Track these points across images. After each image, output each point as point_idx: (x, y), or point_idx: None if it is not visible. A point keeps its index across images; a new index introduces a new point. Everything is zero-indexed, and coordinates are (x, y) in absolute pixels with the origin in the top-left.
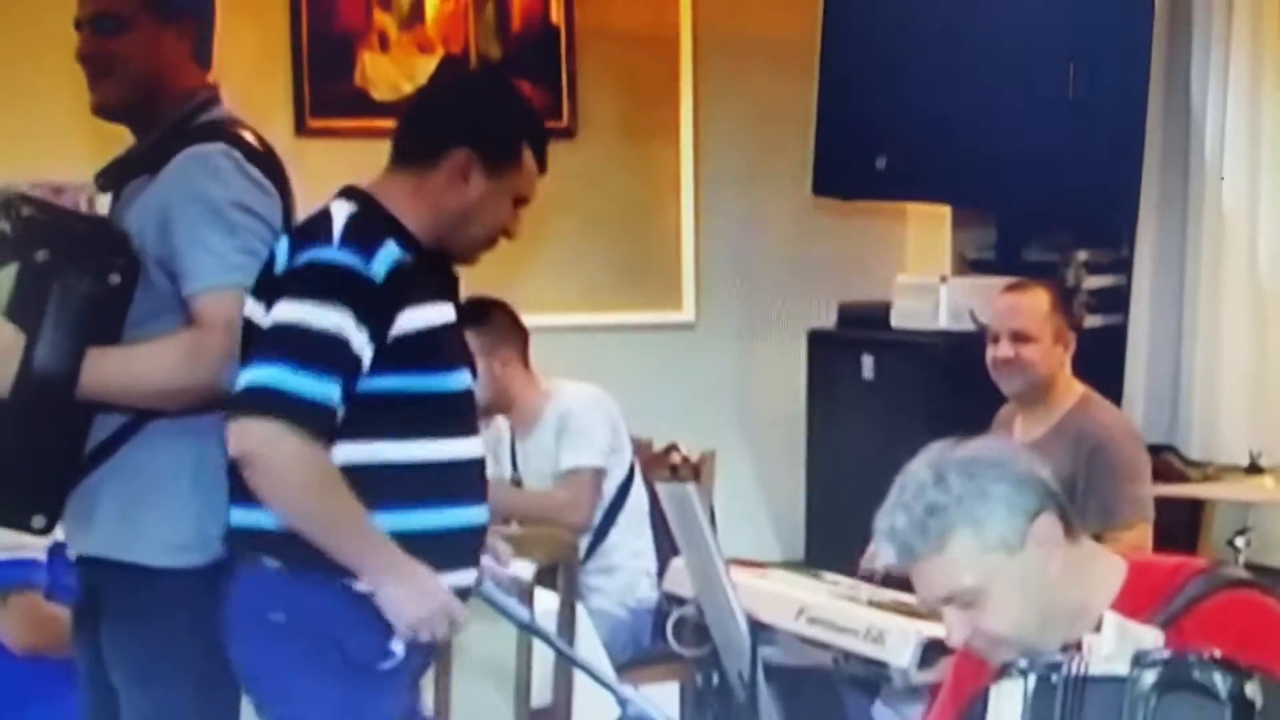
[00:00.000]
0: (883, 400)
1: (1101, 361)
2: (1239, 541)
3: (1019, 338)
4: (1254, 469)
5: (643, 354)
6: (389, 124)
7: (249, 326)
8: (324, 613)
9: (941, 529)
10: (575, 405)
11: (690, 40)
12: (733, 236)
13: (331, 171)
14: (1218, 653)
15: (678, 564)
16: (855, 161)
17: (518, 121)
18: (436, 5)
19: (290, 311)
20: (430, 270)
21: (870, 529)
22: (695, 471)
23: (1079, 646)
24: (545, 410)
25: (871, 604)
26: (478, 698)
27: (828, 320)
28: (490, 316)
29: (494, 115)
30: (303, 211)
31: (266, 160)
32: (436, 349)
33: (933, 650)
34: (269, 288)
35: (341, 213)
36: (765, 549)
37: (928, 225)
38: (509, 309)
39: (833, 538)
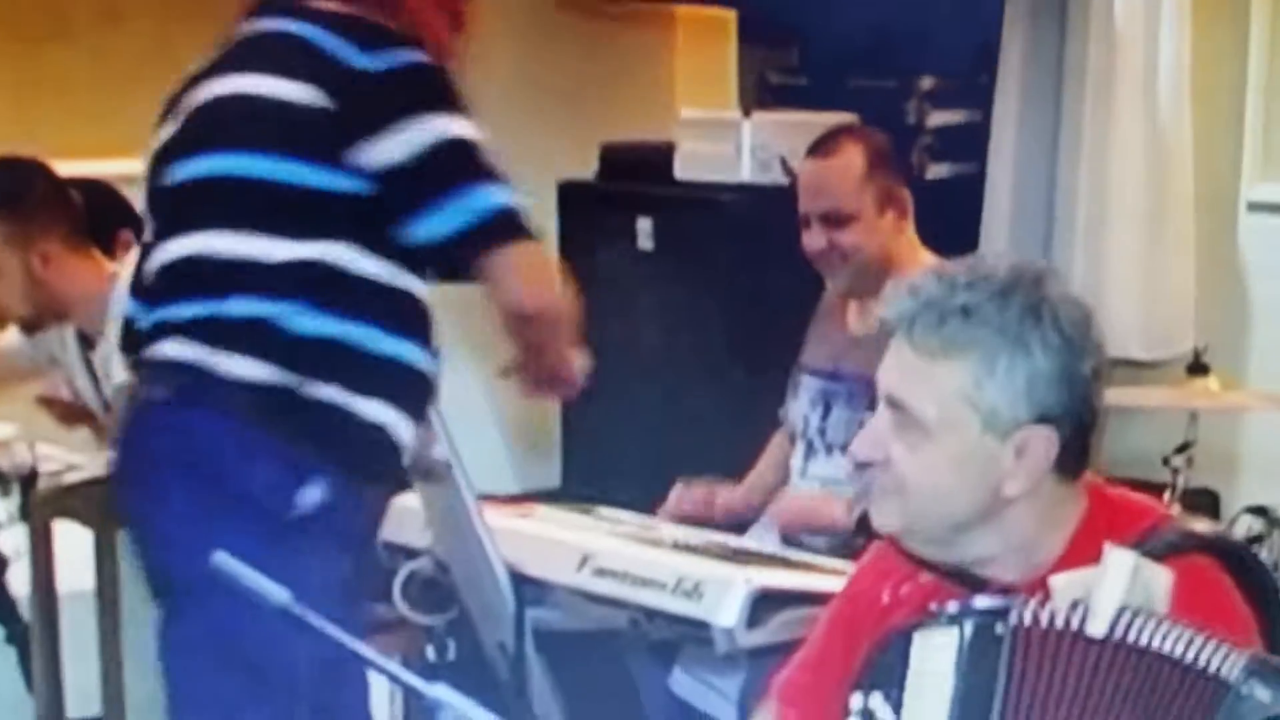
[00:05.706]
0: (665, 278)
1: (952, 222)
2: (1177, 460)
3: (832, 220)
4: (1197, 368)
5: None
6: None
7: (286, 107)
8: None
9: (954, 341)
10: None
11: None
12: None
13: None
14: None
15: (401, 504)
16: None
17: None
18: None
19: (457, 127)
20: None
21: (647, 448)
22: None
23: (1013, 589)
24: (114, 300)
25: (678, 547)
26: None
27: (585, 167)
28: (24, 192)
29: None
30: None
31: None
32: None
33: (764, 605)
34: (331, 77)
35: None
36: (502, 477)
37: (705, 38)
38: (41, 174)
39: (599, 460)
